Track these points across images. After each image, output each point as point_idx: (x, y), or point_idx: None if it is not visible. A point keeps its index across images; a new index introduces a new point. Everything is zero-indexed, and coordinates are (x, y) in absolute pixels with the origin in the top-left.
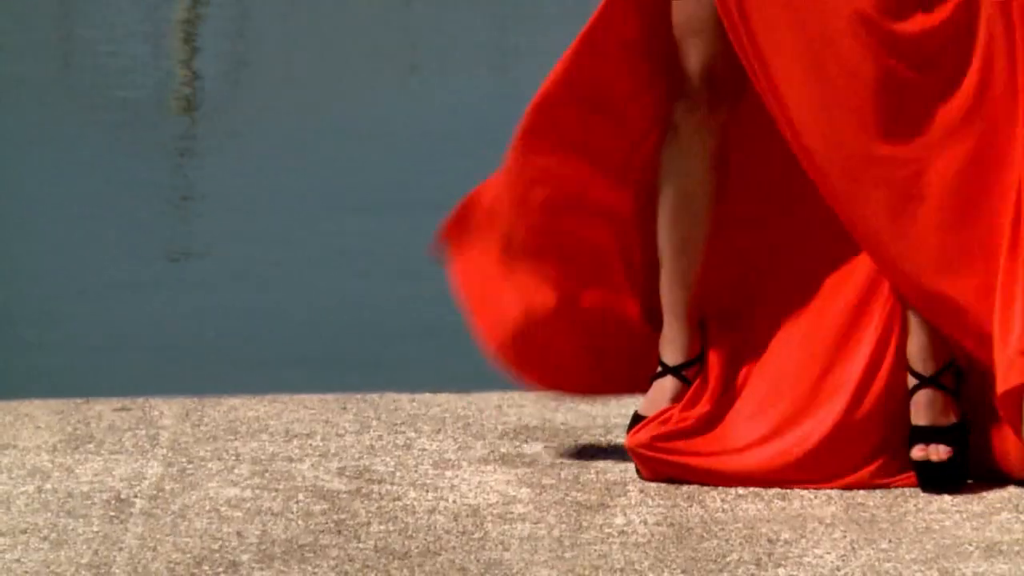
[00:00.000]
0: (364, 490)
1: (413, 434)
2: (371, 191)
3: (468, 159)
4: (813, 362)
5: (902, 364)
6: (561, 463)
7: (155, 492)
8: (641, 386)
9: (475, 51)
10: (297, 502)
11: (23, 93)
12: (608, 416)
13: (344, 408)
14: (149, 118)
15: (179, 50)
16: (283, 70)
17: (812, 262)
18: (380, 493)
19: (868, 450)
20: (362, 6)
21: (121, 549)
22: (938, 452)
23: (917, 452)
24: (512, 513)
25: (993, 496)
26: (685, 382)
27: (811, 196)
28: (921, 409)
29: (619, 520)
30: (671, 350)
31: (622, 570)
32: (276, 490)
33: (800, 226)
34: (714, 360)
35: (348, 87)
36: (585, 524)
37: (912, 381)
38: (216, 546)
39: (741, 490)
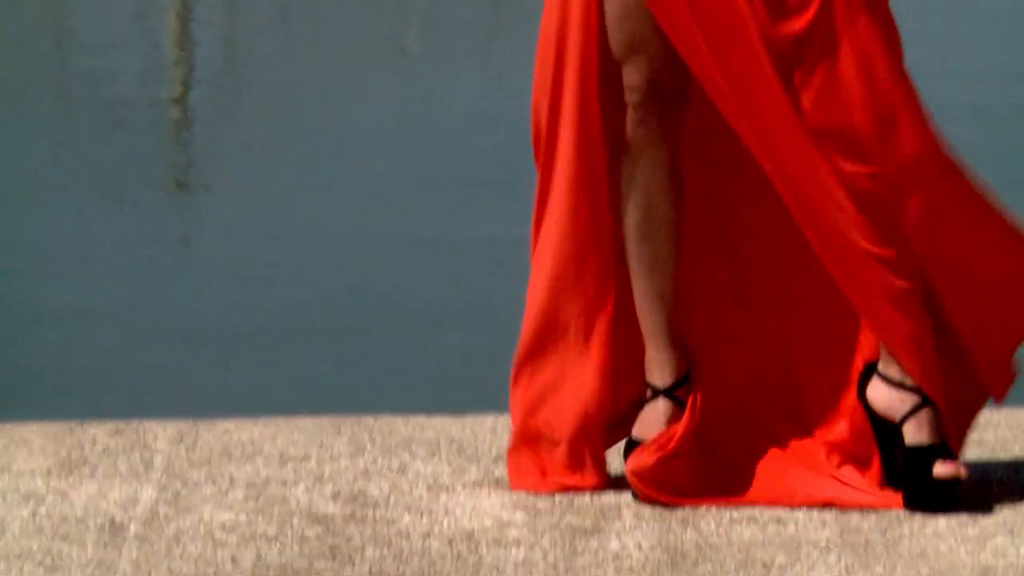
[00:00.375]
0: (359, 514)
1: (408, 457)
2: (366, 208)
3: (462, 168)
4: (803, 380)
5: None
6: None
7: (149, 516)
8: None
9: (470, 55)
10: (291, 526)
11: (16, 101)
12: None
13: (338, 431)
14: (143, 127)
15: (173, 51)
16: (277, 69)
17: (795, 276)
18: (375, 517)
19: (862, 469)
20: (355, 11)
21: (115, 574)
22: (959, 468)
23: (943, 469)
24: (507, 537)
25: (988, 521)
26: (678, 403)
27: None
28: (926, 427)
29: (614, 544)
30: (659, 372)
31: None
32: (270, 514)
33: (781, 235)
34: (703, 379)
35: (342, 89)
36: (580, 548)
37: (912, 399)
38: (211, 571)
39: (736, 514)
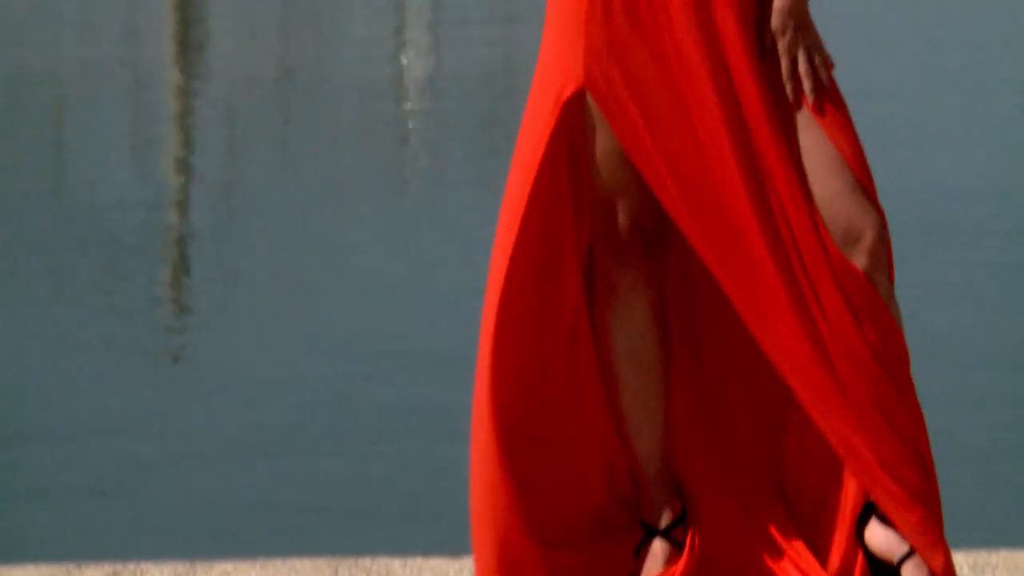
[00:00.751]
0: None
1: None
2: (363, 345)
3: (460, 293)
4: (798, 516)
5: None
6: None
7: None
8: None
9: (470, 185)
10: None
11: (15, 243)
12: None
13: (336, 573)
14: (141, 266)
15: (172, 190)
16: (275, 204)
17: (791, 411)
18: None
19: None
20: (354, 144)
21: None
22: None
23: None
24: None
25: None
26: (676, 544)
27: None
28: (924, 569)
29: None
30: (655, 513)
31: None
32: None
33: (775, 379)
34: (699, 517)
35: (340, 225)
36: None
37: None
38: None
39: None
